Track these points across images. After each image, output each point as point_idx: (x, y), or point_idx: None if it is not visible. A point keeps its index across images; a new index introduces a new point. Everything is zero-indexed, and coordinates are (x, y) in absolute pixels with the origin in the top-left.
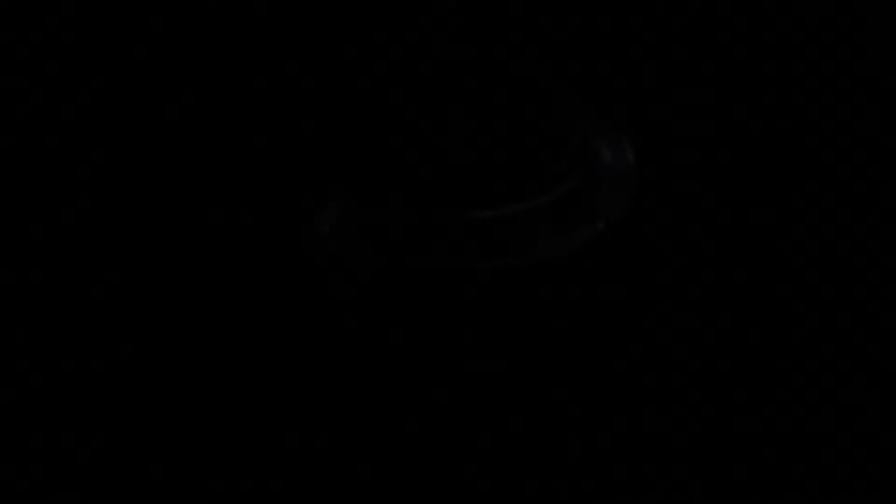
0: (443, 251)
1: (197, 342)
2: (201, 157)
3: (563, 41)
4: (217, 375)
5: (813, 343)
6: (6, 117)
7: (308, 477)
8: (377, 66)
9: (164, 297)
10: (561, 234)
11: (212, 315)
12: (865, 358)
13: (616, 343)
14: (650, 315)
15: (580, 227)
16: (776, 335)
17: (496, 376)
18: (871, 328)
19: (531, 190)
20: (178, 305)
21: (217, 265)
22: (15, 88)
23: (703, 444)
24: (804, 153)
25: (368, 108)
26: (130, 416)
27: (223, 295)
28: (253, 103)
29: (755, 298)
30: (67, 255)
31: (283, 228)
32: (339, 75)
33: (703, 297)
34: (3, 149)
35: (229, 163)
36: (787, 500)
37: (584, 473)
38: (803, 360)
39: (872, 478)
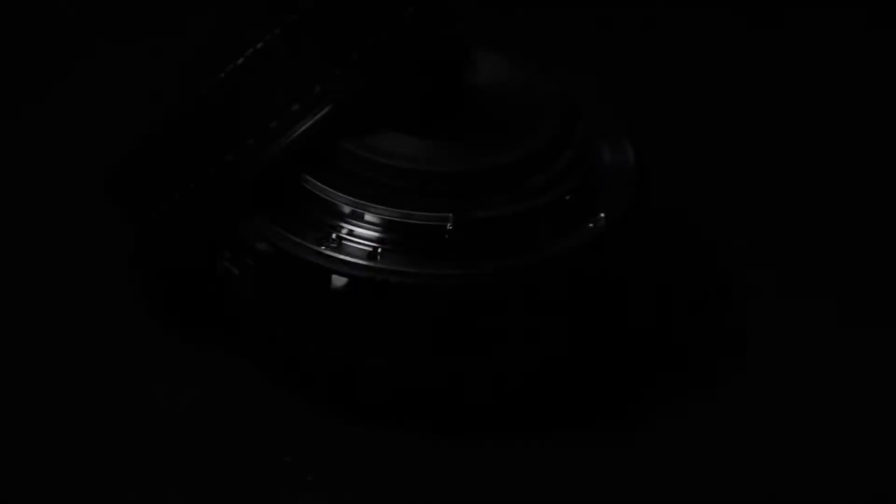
0: (442, 252)
1: None
2: None
3: (562, 41)
4: None
5: (814, 342)
6: None
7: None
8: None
9: None
10: (561, 233)
11: None
12: (866, 357)
13: (615, 343)
14: (650, 315)
15: (580, 226)
16: (777, 334)
17: (495, 376)
18: (872, 327)
19: (531, 190)
20: None
21: None
22: None
23: (703, 442)
24: (805, 152)
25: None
26: None
27: None
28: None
29: (756, 298)
30: None
31: None
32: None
33: (704, 297)
34: None
35: None
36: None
37: (583, 473)
38: (804, 360)
39: (872, 478)
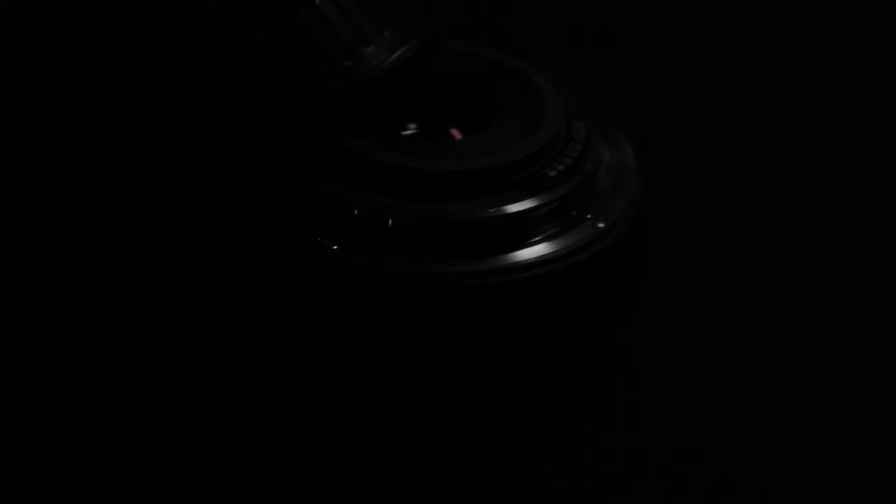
0: (440, 252)
1: None
2: None
3: (562, 41)
4: None
5: (815, 343)
6: None
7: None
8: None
9: None
10: (561, 233)
11: None
12: (868, 359)
13: (615, 344)
14: (650, 315)
15: (580, 226)
16: (777, 335)
17: (494, 377)
18: (873, 328)
19: (531, 189)
20: None
21: None
22: None
23: (703, 443)
24: (807, 153)
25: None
26: None
27: None
28: None
29: (756, 298)
30: None
31: None
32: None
33: (704, 297)
34: None
35: None
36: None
37: (582, 473)
38: (805, 361)
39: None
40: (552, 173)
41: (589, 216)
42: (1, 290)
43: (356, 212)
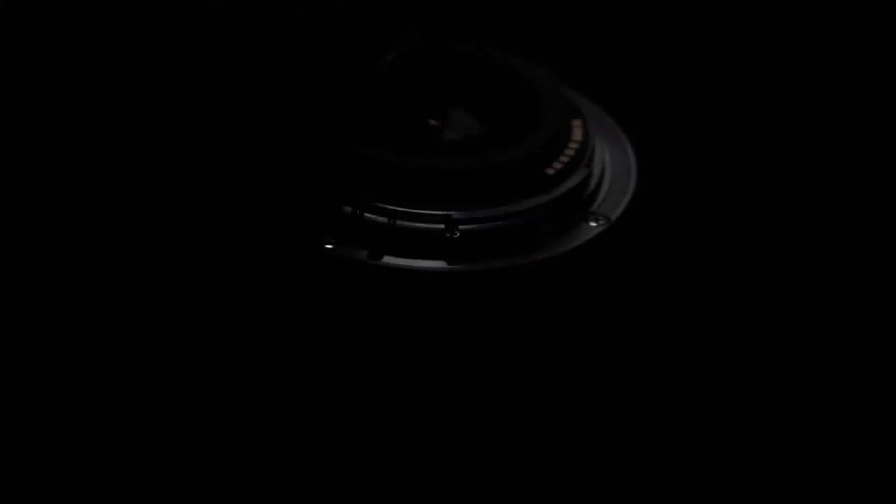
0: (441, 252)
1: None
2: None
3: (563, 40)
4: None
5: (813, 343)
6: None
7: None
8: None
9: None
10: (561, 233)
11: None
12: (866, 358)
13: (615, 343)
14: (650, 315)
15: (580, 227)
16: (776, 335)
17: (495, 376)
18: (870, 328)
19: (531, 189)
20: None
21: None
22: None
23: (701, 443)
24: (805, 152)
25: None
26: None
27: None
28: None
29: (755, 298)
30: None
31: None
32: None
33: (703, 297)
34: None
35: None
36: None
37: (582, 473)
38: (803, 360)
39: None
40: (551, 173)
41: (588, 216)
42: (9, 292)
43: (357, 212)
